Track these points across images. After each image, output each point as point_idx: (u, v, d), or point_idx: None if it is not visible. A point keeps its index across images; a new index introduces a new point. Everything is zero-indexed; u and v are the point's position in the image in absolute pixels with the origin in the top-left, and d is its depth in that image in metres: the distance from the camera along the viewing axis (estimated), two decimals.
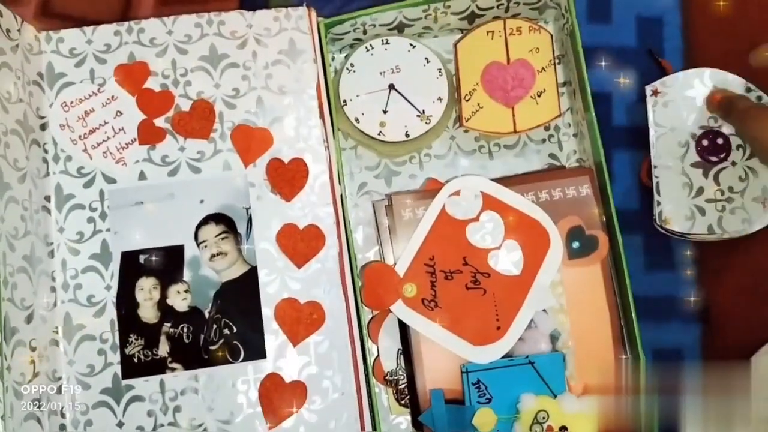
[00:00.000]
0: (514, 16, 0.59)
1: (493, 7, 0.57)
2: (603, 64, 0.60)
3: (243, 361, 0.52)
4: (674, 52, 0.60)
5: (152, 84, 0.55)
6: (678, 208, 0.55)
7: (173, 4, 0.60)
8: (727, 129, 0.56)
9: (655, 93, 0.57)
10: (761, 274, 0.57)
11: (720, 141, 0.55)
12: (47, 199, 0.53)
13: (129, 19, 0.56)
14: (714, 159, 0.56)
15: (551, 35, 0.58)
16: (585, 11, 0.61)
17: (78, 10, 0.60)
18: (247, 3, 0.61)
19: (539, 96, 0.58)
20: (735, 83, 0.56)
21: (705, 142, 0.56)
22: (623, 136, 0.59)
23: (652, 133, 0.57)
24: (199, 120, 0.54)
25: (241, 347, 0.52)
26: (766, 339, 0.53)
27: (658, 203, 0.56)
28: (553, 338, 0.54)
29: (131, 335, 0.52)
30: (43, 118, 0.54)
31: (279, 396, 0.52)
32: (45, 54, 0.55)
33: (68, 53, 0.55)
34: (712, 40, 0.60)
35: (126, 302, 0.52)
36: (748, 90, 0.56)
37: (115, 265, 0.53)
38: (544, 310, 0.54)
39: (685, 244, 0.58)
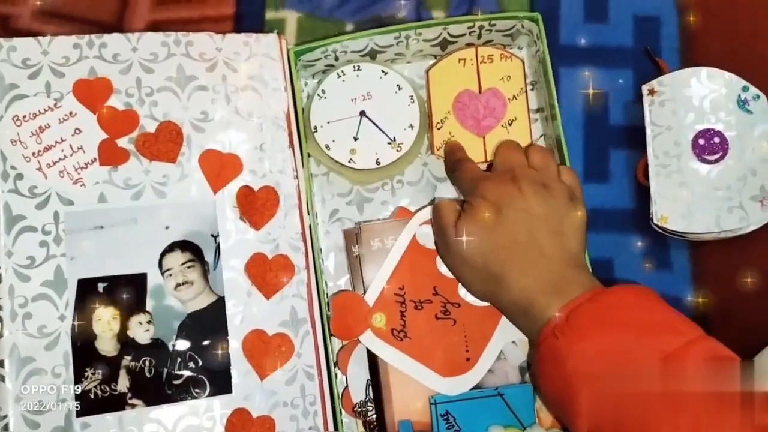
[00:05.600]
0: (486, 43, 0.59)
1: (465, 34, 0.58)
2: (600, 63, 0.61)
3: (209, 396, 0.50)
4: (671, 51, 0.61)
5: (115, 102, 0.52)
6: (675, 207, 0.55)
7: (170, 4, 0.60)
8: (724, 128, 0.56)
9: (651, 92, 0.57)
10: (759, 274, 0.58)
11: (717, 140, 0.56)
12: None
13: (125, 20, 0.56)
14: (711, 158, 0.56)
15: (523, 62, 0.59)
16: (582, 10, 0.62)
17: (76, 10, 0.59)
18: (245, 4, 0.60)
19: (510, 125, 0.58)
20: (732, 82, 0.57)
21: (702, 141, 0.56)
22: (620, 135, 0.60)
23: (648, 132, 0.57)
24: (165, 142, 0.52)
25: (207, 381, 0.50)
26: (764, 339, 0.52)
27: (655, 202, 0.56)
28: (523, 370, 0.54)
29: (88, 369, 0.49)
30: None
31: None
32: None
33: (21, 63, 0.51)
34: (709, 39, 0.61)
35: (82, 333, 0.49)
36: (745, 89, 0.56)
37: (71, 293, 0.49)
38: (514, 342, 0.54)
39: (682, 244, 0.59)
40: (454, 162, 0.55)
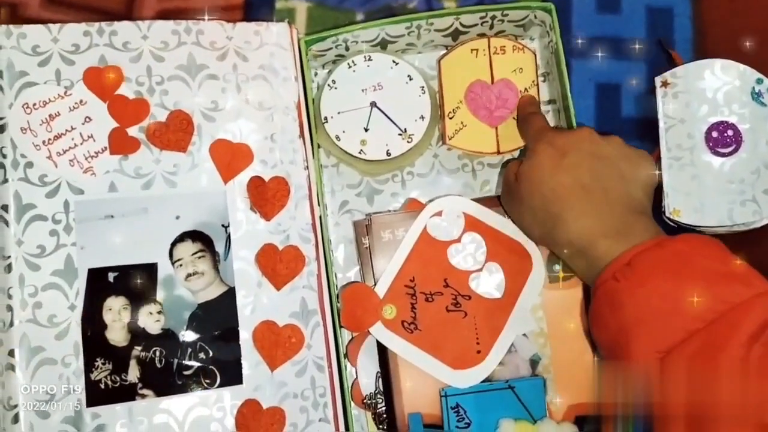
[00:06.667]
0: (498, 33, 0.59)
1: (477, 24, 0.57)
2: (612, 55, 0.60)
3: (219, 387, 0.50)
4: (684, 43, 0.61)
5: (125, 90, 0.52)
6: (687, 201, 0.55)
7: None
8: (738, 121, 0.56)
9: (664, 84, 0.56)
10: None
11: (730, 133, 0.55)
12: (4, 208, 0.49)
13: (134, 9, 0.56)
14: (724, 151, 0.55)
15: (535, 54, 0.58)
16: (594, 1, 0.61)
17: None
18: None
19: None
20: (746, 74, 0.56)
21: (715, 134, 0.55)
22: (632, 127, 0.60)
23: (661, 124, 0.56)
24: (176, 132, 0.52)
25: (217, 372, 0.50)
26: None
27: (667, 195, 0.55)
28: (534, 363, 0.54)
29: (98, 359, 0.48)
30: (1, 119, 0.50)
31: (256, 423, 0.49)
32: (4, 50, 0.50)
33: (31, 51, 0.51)
34: (723, 31, 0.61)
35: (92, 323, 0.49)
36: (759, 81, 0.56)
37: (81, 282, 0.49)
38: (525, 335, 0.54)
39: None
40: (527, 114, 0.55)
